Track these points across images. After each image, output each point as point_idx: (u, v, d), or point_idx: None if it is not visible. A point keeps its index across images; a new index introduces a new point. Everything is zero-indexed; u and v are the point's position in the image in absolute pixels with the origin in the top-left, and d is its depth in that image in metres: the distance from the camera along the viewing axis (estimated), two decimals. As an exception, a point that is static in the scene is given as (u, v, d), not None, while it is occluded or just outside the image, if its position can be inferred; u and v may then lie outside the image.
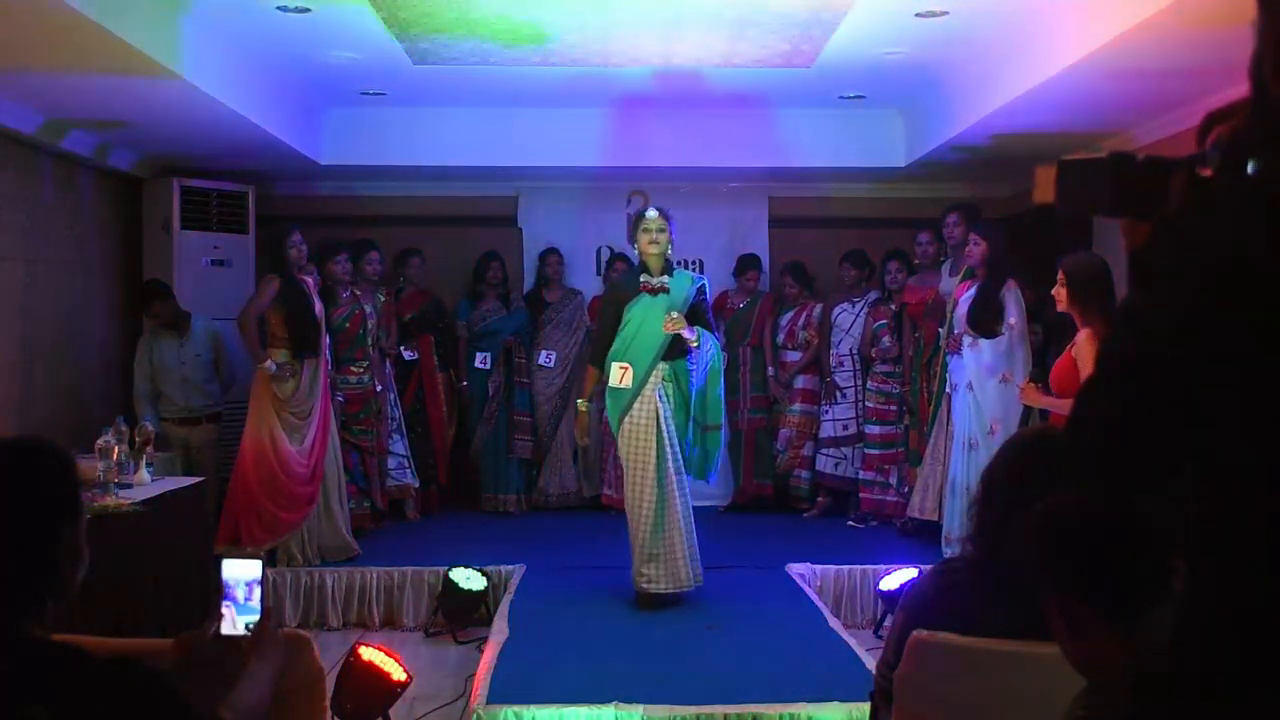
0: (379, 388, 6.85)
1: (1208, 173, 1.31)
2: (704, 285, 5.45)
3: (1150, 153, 1.39)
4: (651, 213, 5.29)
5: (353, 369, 6.67)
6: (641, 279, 5.28)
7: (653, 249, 5.26)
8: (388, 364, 7.17)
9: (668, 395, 5.23)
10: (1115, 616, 1.56)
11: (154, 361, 6.43)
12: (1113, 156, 1.37)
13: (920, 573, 4.35)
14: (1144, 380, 1.28)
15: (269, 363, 5.78)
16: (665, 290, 5.24)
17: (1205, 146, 1.32)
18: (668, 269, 5.30)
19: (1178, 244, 1.27)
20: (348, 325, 6.64)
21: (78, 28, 4.11)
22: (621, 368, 5.17)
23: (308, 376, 5.88)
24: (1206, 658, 1.24)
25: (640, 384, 5.16)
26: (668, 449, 5.16)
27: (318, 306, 5.99)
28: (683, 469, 5.22)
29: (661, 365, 5.20)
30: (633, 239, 5.35)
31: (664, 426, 5.17)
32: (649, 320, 5.18)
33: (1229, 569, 1.23)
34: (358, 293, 6.78)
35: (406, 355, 7.37)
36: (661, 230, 5.25)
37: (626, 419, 5.18)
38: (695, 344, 5.21)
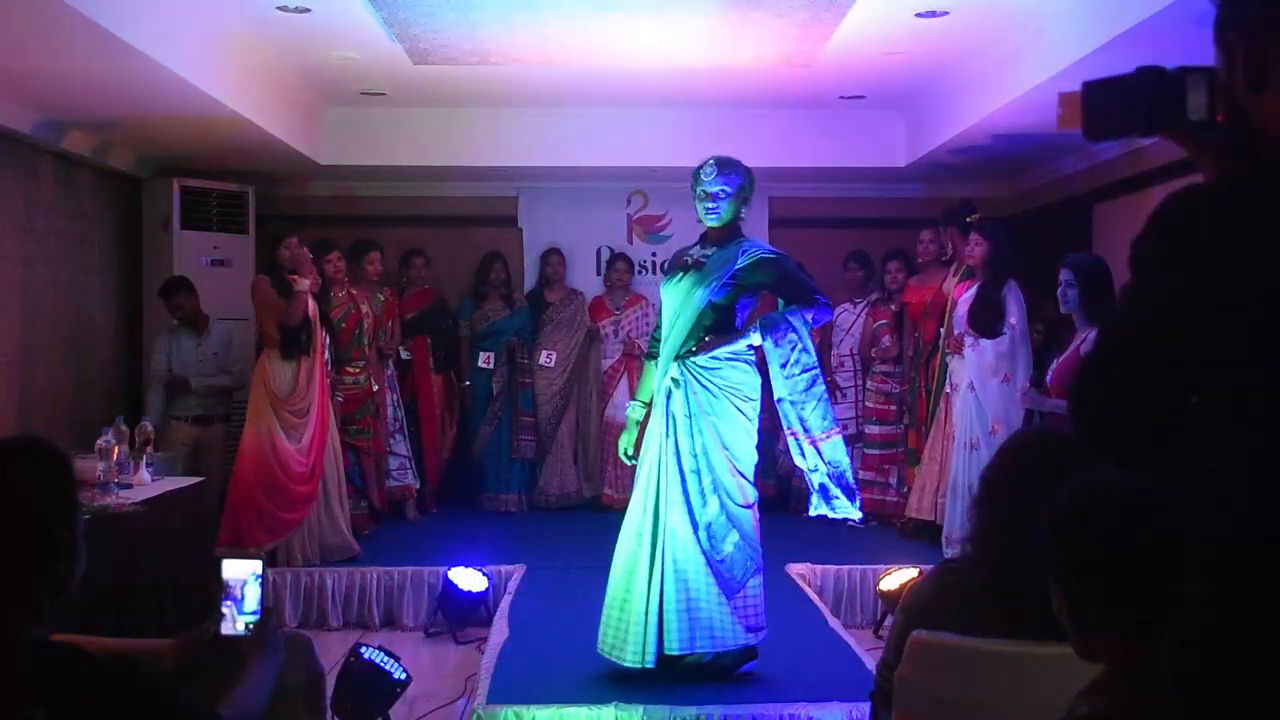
0: (375, 387, 6.84)
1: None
2: (765, 258, 4.09)
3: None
4: (708, 169, 4.08)
5: (349, 369, 6.65)
6: (691, 250, 4.21)
7: (709, 219, 4.11)
8: (390, 364, 7.17)
9: (674, 408, 4.04)
10: (1118, 617, 1.56)
11: (172, 359, 6.43)
12: (1140, 70, 1.32)
13: (920, 573, 4.35)
14: (1139, 361, 1.30)
15: (304, 282, 5.75)
16: (700, 266, 4.10)
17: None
18: (728, 239, 4.13)
19: (1166, 236, 1.29)
20: (344, 325, 6.61)
21: (77, 27, 4.11)
22: (655, 368, 4.22)
23: (304, 375, 5.87)
24: (1209, 655, 1.24)
25: (658, 390, 4.13)
26: (656, 480, 4.03)
27: (311, 307, 5.97)
28: (689, 514, 3.99)
29: (676, 368, 4.07)
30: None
31: (662, 450, 4.04)
32: (670, 305, 4.14)
33: (1229, 562, 1.23)
34: (354, 292, 6.77)
35: (403, 355, 7.38)
36: (721, 194, 4.06)
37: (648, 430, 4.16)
38: (752, 342, 4.06)
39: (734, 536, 4.05)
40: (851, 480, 4.12)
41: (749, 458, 4.09)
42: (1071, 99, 1.35)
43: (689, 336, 4.07)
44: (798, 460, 4.11)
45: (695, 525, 4.00)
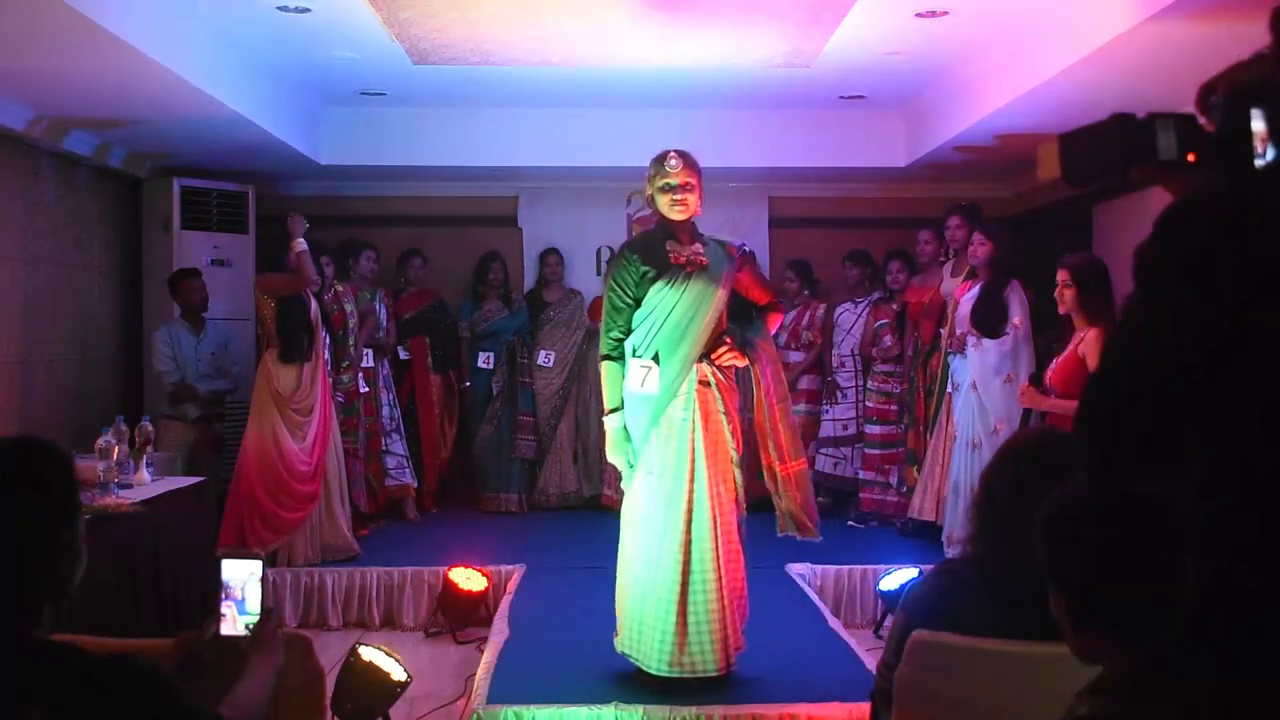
0: (365, 388, 6.83)
1: (1211, 127, 1.32)
2: (749, 254, 4.15)
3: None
4: (673, 162, 3.95)
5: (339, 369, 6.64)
6: (668, 246, 4.02)
7: (677, 213, 3.98)
8: (385, 364, 7.17)
9: (711, 408, 3.98)
10: (1117, 620, 1.56)
11: (175, 351, 6.42)
12: (1111, 117, 1.36)
13: (920, 573, 4.35)
14: (1149, 372, 1.29)
15: (298, 240, 5.78)
16: (702, 263, 3.99)
17: (1206, 111, 1.33)
18: (696, 234, 4.07)
19: (1174, 244, 1.28)
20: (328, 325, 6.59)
21: (77, 27, 4.11)
22: (644, 366, 3.98)
23: (307, 374, 5.87)
24: (1210, 656, 1.23)
25: (671, 389, 3.95)
26: (704, 484, 3.92)
27: (314, 310, 5.97)
28: (718, 516, 3.95)
29: (704, 368, 3.98)
30: (650, 200, 4.08)
31: (691, 453, 3.94)
32: (680, 304, 3.97)
33: (1233, 564, 1.23)
34: (339, 289, 6.76)
35: (401, 355, 7.38)
36: (689, 187, 3.96)
37: (654, 433, 3.97)
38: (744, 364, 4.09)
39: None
40: (814, 506, 4.16)
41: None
42: (1049, 149, 1.41)
43: (713, 336, 4.00)
44: (767, 483, 4.15)
45: (740, 523, 4.04)
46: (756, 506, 7.11)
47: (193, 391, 6.36)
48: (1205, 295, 1.22)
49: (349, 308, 6.76)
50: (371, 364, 6.99)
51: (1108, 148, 1.37)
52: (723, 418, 4.00)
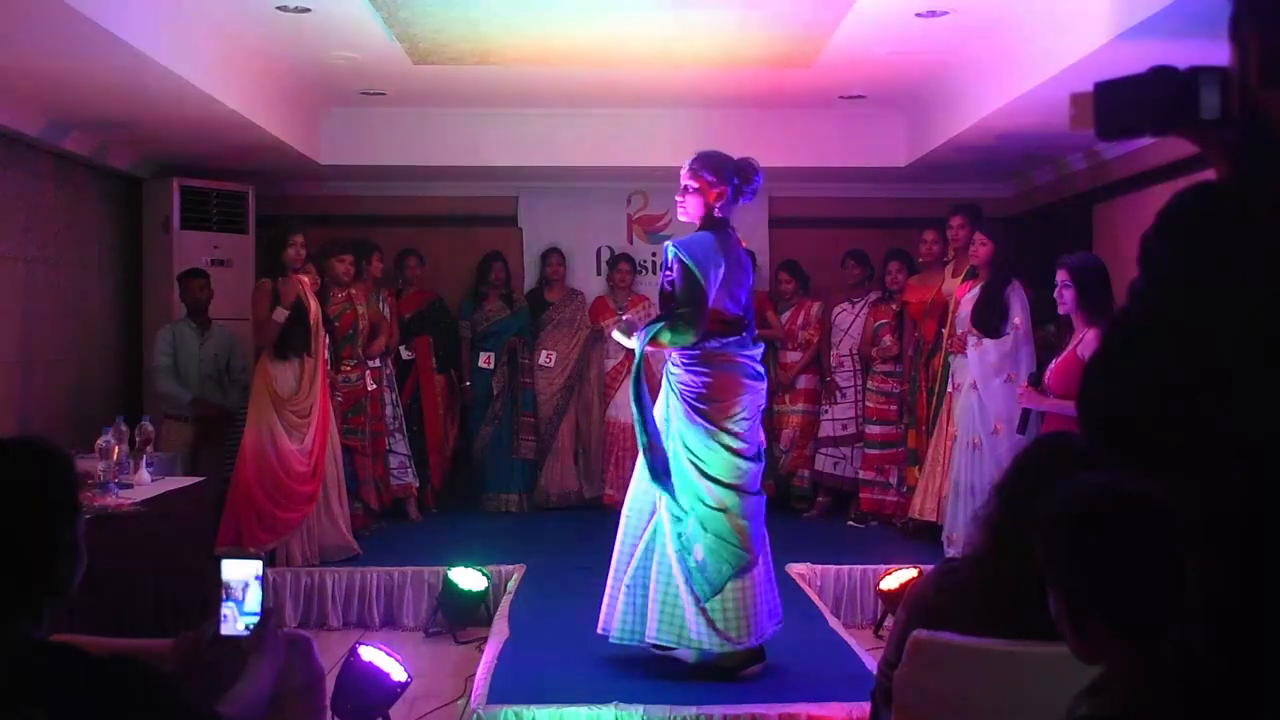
0: (372, 386, 6.83)
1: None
2: (674, 256, 4.03)
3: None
4: (684, 164, 4.17)
5: (343, 368, 6.64)
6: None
7: (680, 214, 4.26)
8: (389, 364, 7.17)
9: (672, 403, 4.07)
10: (1116, 620, 1.56)
11: (177, 349, 6.42)
12: (1153, 70, 1.33)
13: (920, 573, 4.35)
14: (1142, 355, 1.29)
15: (278, 310, 5.76)
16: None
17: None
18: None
19: (1180, 232, 1.28)
20: (337, 324, 6.59)
21: (78, 27, 4.11)
22: None
23: (306, 375, 5.87)
24: (1211, 656, 1.23)
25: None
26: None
27: (313, 308, 5.97)
28: (678, 502, 4.02)
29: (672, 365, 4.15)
30: None
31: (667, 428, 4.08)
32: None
33: (1235, 562, 1.23)
34: (353, 292, 6.76)
35: (404, 355, 7.38)
36: (688, 188, 4.09)
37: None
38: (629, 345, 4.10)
39: (708, 540, 4.00)
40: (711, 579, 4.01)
41: (714, 462, 3.99)
42: (1083, 99, 1.35)
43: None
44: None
45: (676, 522, 4.03)
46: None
47: (204, 405, 6.40)
48: (1210, 284, 1.22)
49: (359, 309, 6.75)
50: (377, 364, 7.00)
51: (1147, 102, 1.33)
52: (666, 424, 4.04)
